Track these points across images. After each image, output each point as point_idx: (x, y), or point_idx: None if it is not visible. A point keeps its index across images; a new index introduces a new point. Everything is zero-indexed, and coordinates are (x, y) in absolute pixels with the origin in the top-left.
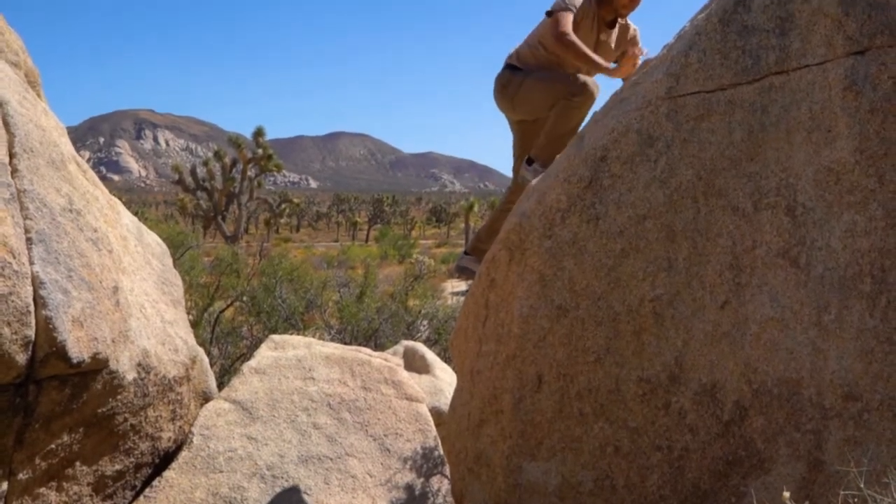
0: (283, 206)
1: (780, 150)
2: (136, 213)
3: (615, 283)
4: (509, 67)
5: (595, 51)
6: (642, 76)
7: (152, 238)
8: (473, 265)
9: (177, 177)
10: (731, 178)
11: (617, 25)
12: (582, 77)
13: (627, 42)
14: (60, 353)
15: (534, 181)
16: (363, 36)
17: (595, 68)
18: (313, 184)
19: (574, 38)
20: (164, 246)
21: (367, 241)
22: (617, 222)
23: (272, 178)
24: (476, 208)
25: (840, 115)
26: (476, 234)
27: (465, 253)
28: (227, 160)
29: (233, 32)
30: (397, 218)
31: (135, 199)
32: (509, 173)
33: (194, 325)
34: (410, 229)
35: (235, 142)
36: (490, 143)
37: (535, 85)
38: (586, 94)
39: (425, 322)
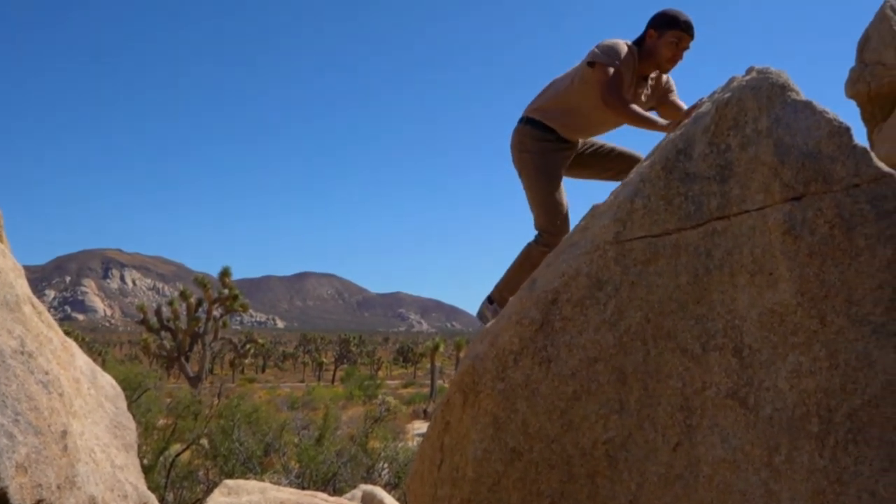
0: (248, 346)
1: (725, 293)
2: (99, 353)
3: (568, 426)
4: (529, 123)
5: (634, 103)
6: (591, 221)
7: (107, 380)
8: (493, 313)
9: (141, 316)
10: (679, 320)
11: (651, 78)
12: (548, 229)
13: (662, 88)
14: (2, 499)
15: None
16: (332, 177)
17: (649, 127)
18: (280, 324)
19: (627, 100)
20: (119, 388)
21: (333, 381)
22: (569, 364)
23: (238, 318)
24: (442, 348)
25: (781, 258)
26: (497, 284)
27: (490, 300)
28: (193, 300)
29: (204, 174)
30: (364, 358)
31: (99, 338)
32: (476, 313)
33: (149, 469)
34: (377, 369)
35: (202, 282)
36: (457, 284)
37: (526, 183)
38: (552, 246)
39: (385, 465)
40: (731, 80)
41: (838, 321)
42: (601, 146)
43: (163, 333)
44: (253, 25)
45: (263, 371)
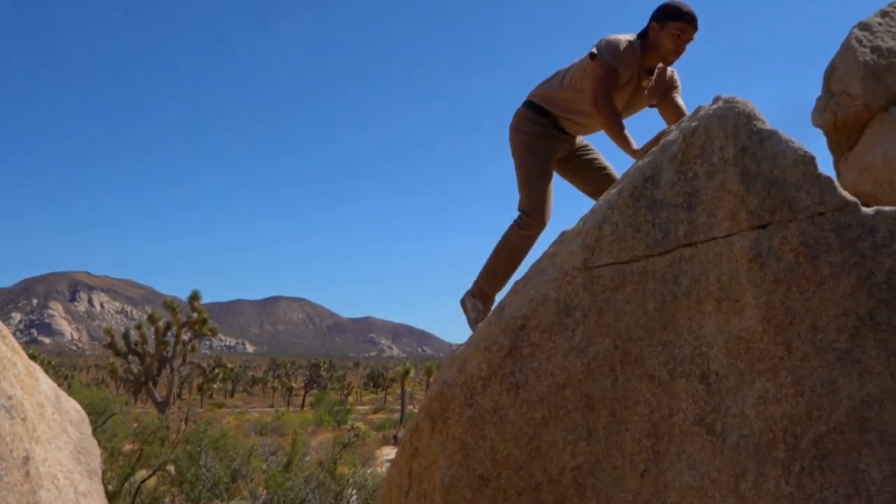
0: (217, 370)
1: (692, 319)
2: (65, 377)
3: (536, 452)
4: (528, 104)
5: (636, 96)
6: (559, 247)
7: (71, 405)
8: (472, 307)
9: (109, 340)
10: (647, 346)
11: (656, 71)
12: (529, 211)
13: (666, 83)
14: None
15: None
16: (303, 201)
17: (619, 143)
18: (250, 348)
19: (614, 109)
20: (84, 413)
21: (302, 406)
22: (537, 391)
23: (208, 343)
24: (412, 374)
25: (747, 285)
26: (477, 277)
27: (472, 294)
28: (162, 324)
29: (175, 196)
30: (334, 383)
31: (65, 362)
32: (447, 338)
33: (114, 496)
34: (347, 395)
35: (171, 305)
36: (428, 309)
37: (517, 165)
38: (531, 229)
39: (354, 491)
40: (699, 108)
41: (804, 348)
42: (596, 159)
43: (130, 357)
44: (219, 56)
45: (232, 396)
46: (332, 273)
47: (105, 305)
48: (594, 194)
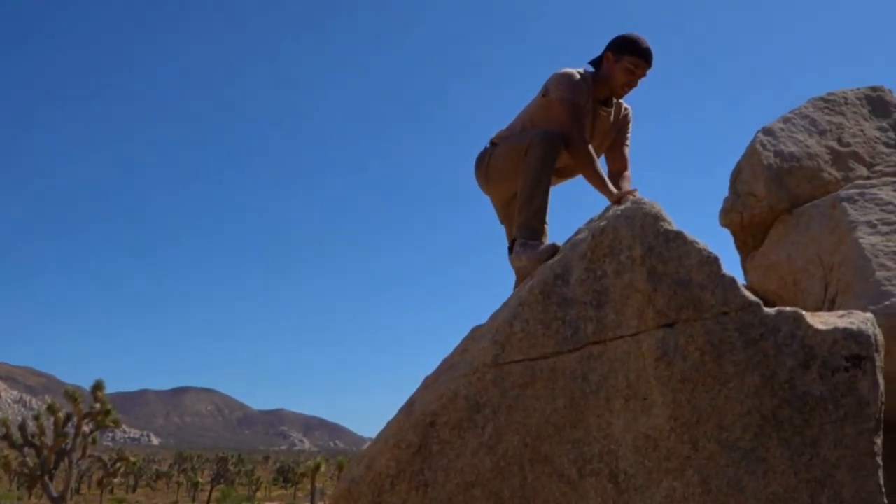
0: (118, 464)
1: (601, 417)
2: None
3: None
4: (491, 145)
5: (595, 128)
6: (470, 343)
7: None
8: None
9: (3, 431)
10: (556, 444)
11: (612, 103)
12: (534, 132)
13: (621, 121)
14: None
15: (525, 261)
16: (214, 289)
17: (596, 182)
18: (155, 440)
19: (592, 151)
20: None
21: (208, 502)
22: (446, 489)
23: (110, 435)
24: (323, 468)
25: (654, 383)
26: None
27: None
28: (62, 414)
29: (80, 282)
30: (242, 478)
31: None
32: (360, 431)
33: None
34: (255, 490)
35: (72, 395)
36: (341, 401)
37: (502, 152)
38: (538, 145)
39: None
40: (608, 208)
41: (710, 447)
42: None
43: (26, 450)
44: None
45: (134, 491)
46: (243, 363)
47: (2, 394)
48: None
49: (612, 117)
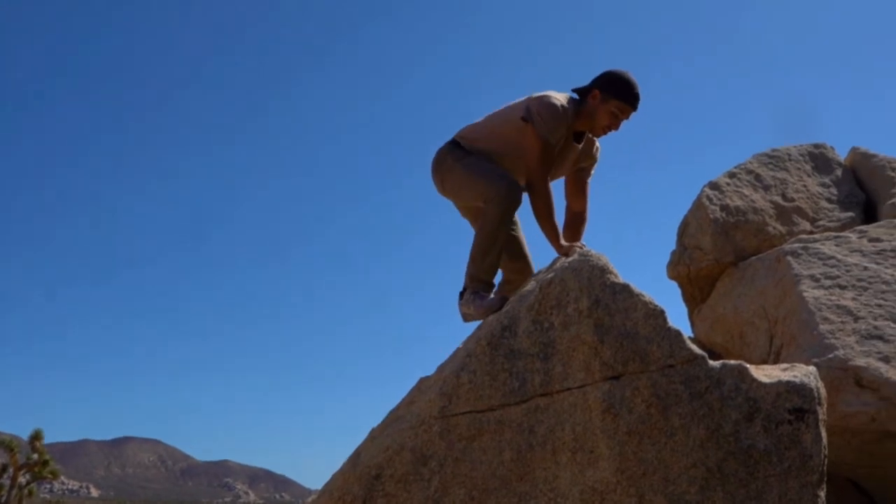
0: None
1: (547, 470)
2: None
3: None
4: (453, 143)
5: (562, 156)
6: (417, 394)
7: None
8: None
9: None
10: (503, 497)
11: (585, 138)
12: (499, 182)
13: (592, 156)
14: None
15: (473, 311)
16: (158, 337)
17: (548, 231)
18: (95, 492)
19: (549, 195)
20: None
21: None
22: None
23: (48, 486)
24: None
25: (601, 436)
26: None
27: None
28: None
29: (17, 329)
30: None
31: None
32: (307, 483)
33: None
34: None
35: (8, 445)
36: (287, 452)
37: (463, 176)
38: (500, 203)
39: None
40: (555, 260)
41: (656, 500)
42: (517, 237)
43: None
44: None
45: None
46: (187, 412)
47: None
48: (512, 281)
49: (580, 149)
